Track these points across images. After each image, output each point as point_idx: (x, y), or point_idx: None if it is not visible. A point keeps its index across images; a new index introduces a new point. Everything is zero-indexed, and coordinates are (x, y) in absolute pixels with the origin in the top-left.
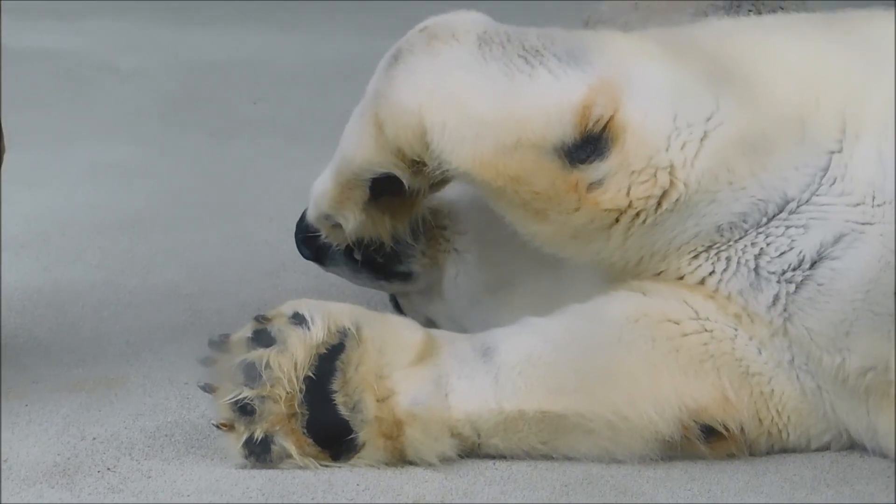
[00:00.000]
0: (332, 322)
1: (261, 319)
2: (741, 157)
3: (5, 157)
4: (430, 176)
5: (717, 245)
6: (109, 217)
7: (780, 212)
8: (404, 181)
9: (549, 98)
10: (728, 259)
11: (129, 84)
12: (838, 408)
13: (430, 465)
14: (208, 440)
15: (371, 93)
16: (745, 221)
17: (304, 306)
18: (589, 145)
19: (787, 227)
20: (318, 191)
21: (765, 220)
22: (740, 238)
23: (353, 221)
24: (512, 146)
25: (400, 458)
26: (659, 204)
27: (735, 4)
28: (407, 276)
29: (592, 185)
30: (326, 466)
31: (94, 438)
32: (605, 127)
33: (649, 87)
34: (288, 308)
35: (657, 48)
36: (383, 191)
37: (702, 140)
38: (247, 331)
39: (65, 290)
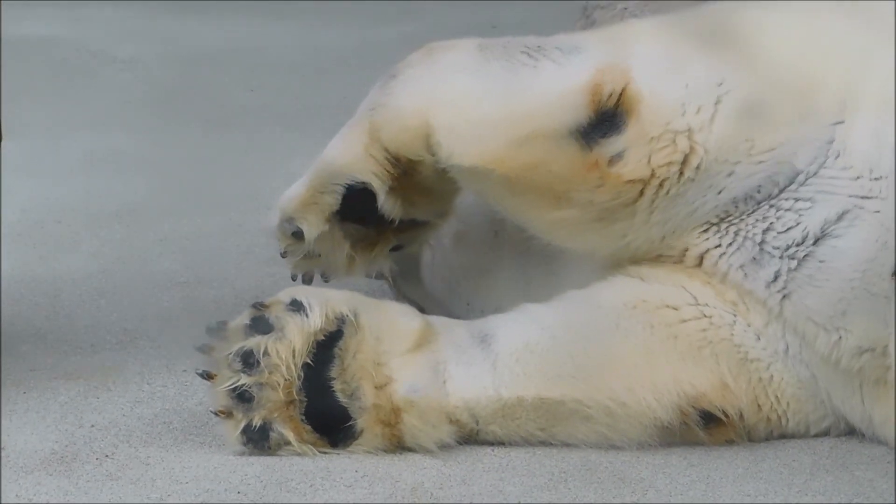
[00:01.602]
0: (329, 309)
1: (258, 307)
2: (755, 124)
3: (2, 145)
4: (407, 190)
5: (730, 218)
6: (106, 206)
7: (790, 184)
8: (379, 193)
9: (557, 85)
10: (736, 233)
11: (126, 73)
12: (834, 396)
13: (428, 451)
14: (206, 427)
15: (363, 108)
16: (758, 192)
17: (302, 293)
18: (604, 122)
19: (796, 201)
20: (286, 196)
21: (776, 191)
22: (753, 211)
23: (314, 230)
24: (525, 138)
25: (398, 445)
26: (681, 172)
27: None
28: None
29: (613, 160)
30: (324, 453)
31: (92, 426)
32: (618, 101)
33: (656, 59)
34: (286, 295)
35: (660, 27)
36: (351, 215)
37: (716, 104)
38: (245, 318)
39: (62, 278)
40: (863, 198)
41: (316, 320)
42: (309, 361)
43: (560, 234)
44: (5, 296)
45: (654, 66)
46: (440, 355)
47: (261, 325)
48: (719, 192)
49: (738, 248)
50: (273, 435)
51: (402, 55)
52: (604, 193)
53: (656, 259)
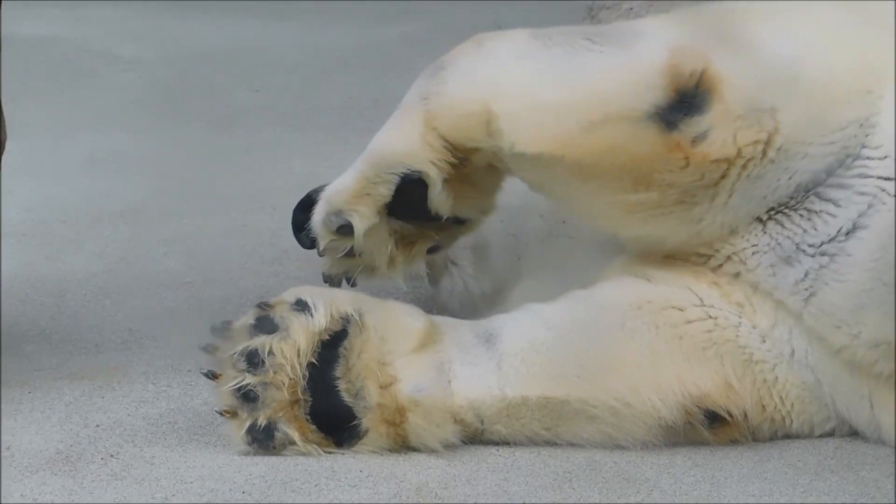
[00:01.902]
0: (334, 309)
1: (263, 306)
2: (826, 102)
3: (6, 145)
4: (457, 184)
5: (780, 210)
6: (110, 206)
7: (839, 167)
8: (434, 184)
9: (630, 67)
10: (778, 231)
11: (128, 73)
12: (839, 401)
13: (432, 451)
14: (211, 427)
15: (412, 99)
16: (817, 178)
17: (307, 293)
18: (685, 103)
19: (840, 188)
20: (332, 189)
21: (824, 177)
22: (799, 203)
23: (365, 222)
24: (599, 122)
25: (403, 445)
26: (764, 152)
27: None
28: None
29: (696, 140)
30: (329, 453)
31: (97, 426)
32: (698, 81)
33: (730, 38)
34: (290, 295)
35: (723, 8)
36: (399, 210)
37: (793, 81)
38: (249, 318)
39: (66, 278)
40: (886, 179)
41: (321, 320)
42: (314, 361)
43: (634, 220)
44: (9, 296)
45: (730, 44)
46: (445, 355)
47: (266, 324)
48: (790, 177)
49: (774, 247)
50: (278, 434)
51: (404, 55)
52: (689, 174)
53: (664, 260)
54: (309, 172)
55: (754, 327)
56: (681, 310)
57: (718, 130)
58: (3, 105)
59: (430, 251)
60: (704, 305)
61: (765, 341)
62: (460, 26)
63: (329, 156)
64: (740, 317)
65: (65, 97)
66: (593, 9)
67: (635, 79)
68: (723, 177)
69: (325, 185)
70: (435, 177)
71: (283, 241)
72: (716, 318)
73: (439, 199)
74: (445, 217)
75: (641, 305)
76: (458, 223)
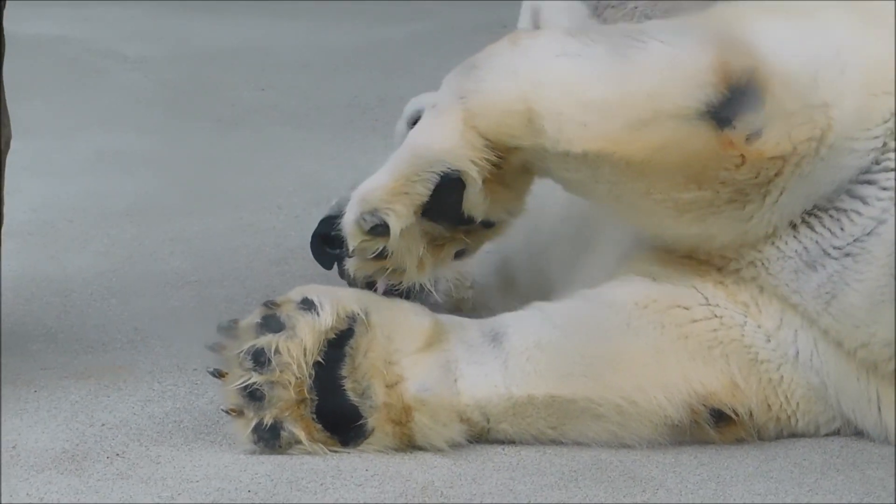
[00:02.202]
0: (340, 307)
1: (269, 305)
2: (869, 95)
3: (12, 144)
4: (492, 185)
5: (817, 208)
6: (116, 205)
7: (873, 164)
8: (473, 184)
9: (678, 65)
10: (808, 235)
11: (135, 71)
12: (844, 403)
13: (438, 450)
14: (217, 426)
15: (448, 98)
16: (857, 176)
17: (313, 292)
18: (737, 100)
19: (869, 184)
20: (367, 187)
21: (856, 174)
22: (836, 197)
23: (402, 222)
24: (648, 120)
25: (409, 444)
26: (817, 149)
27: None
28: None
29: (751, 138)
30: (335, 452)
31: (103, 425)
32: (750, 78)
33: (778, 33)
34: (297, 294)
35: (764, 4)
36: (433, 210)
37: (841, 75)
38: (255, 316)
39: (72, 277)
40: None
41: (327, 319)
42: (320, 360)
43: (684, 220)
44: (15, 295)
45: (778, 40)
46: (451, 354)
47: (272, 323)
48: (835, 175)
49: (800, 252)
50: (284, 434)
51: (410, 55)
52: (744, 172)
53: (670, 258)
54: (315, 172)
55: (759, 327)
56: (686, 309)
57: (773, 128)
58: (8, 104)
59: (457, 255)
60: (710, 304)
61: (770, 341)
62: (466, 26)
63: (335, 155)
64: (745, 316)
65: (71, 96)
66: (598, 8)
67: (685, 76)
68: (777, 174)
69: (337, 215)
70: (475, 176)
71: (288, 241)
72: (721, 318)
73: (476, 201)
74: (479, 220)
75: (647, 304)
76: (487, 226)
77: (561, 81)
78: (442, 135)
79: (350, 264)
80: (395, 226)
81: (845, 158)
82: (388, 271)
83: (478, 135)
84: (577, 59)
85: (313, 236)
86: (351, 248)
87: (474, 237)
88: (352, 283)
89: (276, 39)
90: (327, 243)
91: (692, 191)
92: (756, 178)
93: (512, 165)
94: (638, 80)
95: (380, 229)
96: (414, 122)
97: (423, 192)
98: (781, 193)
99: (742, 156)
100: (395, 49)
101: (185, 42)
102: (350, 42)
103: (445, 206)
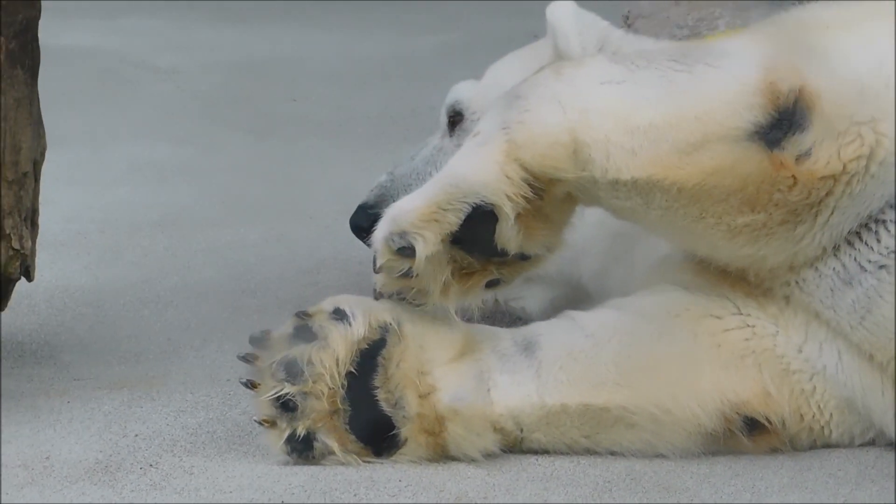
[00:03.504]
0: (372, 318)
1: (302, 316)
2: None
3: (46, 155)
4: (528, 219)
5: (866, 226)
6: (149, 215)
7: None
8: (506, 219)
9: (724, 88)
10: (848, 254)
11: (167, 83)
12: (874, 416)
13: (472, 461)
14: (250, 437)
15: (492, 127)
16: None
17: (345, 302)
18: (784, 121)
19: None
20: (401, 208)
21: None
22: (870, 222)
23: (428, 248)
24: (698, 144)
25: (442, 455)
26: (867, 167)
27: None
28: None
29: (800, 158)
30: (368, 463)
31: (136, 435)
32: (797, 98)
33: (821, 51)
34: (329, 304)
35: (804, 22)
36: (463, 239)
37: (885, 89)
38: (288, 327)
39: (105, 288)
40: None
41: (359, 329)
42: (352, 370)
43: (737, 242)
44: (49, 306)
45: (822, 58)
46: (484, 364)
47: (304, 333)
48: (886, 189)
49: (839, 270)
50: (317, 444)
51: (441, 65)
52: (796, 193)
53: (701, 268)
54: (347, 182)
55: (789, 337)
56: (719, 318)
57: (822, 147)
58: (43, 115)
59: (489, 285)
60: (742, 314)
61: (801, 351)
62: (497, 36)
63: (367, 165)
64: (777, 326)
65: (104, 107)
66: (629, 18)
67: (732, 98)
68: (828, 194)
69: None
70: (508, 211)
71: (320, 251)
72: (753, 327)
73: (508, 235)
74: (512, 253)
75: (679, 314)
76: (523, 259)
77: (607, 109)
78: (480, 166)
79: (377, 279)
80: (422, 251)
81: (893, 174)
82: (413, 291)
83: (519, 167)
84: (623, 85)
85: (351, 224)
86: (378, 265)
87: (509, 269)
88: (377, 296)
89: (308, 50)
90: (362, 231)
91: (746, 214)
92: (808, 198)
93: (554, 197)
94: (685, 103)
95: (407, 251)
96: (452, 112)
97: (453, 221)
98: (832, 213)
99: (794, 177)
100: (426, 59)
101: (216, 53)
102: (381, 52)
103: (477, 237)
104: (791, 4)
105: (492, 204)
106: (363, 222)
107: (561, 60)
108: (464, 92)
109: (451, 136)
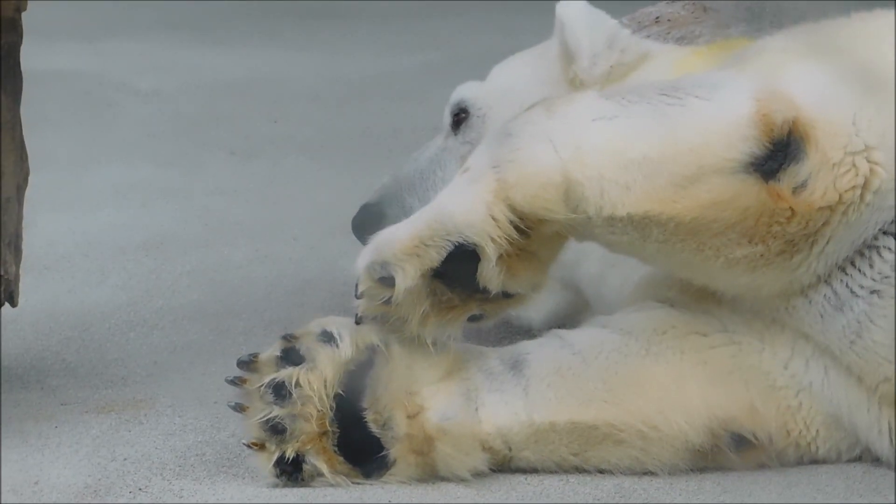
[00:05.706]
0: (360, 339)
1: (289, 338)
2: None
3: (29, 179)
4: (512, 259)
5: (860, 252)
6: (133, 238)
7: None
8: (487, 261)
9: (718, 120)
10: (840, 280)
11: (149, 105)
12: (860, 433)
13: (461, 480)
14: (239, 460)
15: (482, 164)
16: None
17: (332, 324)
18: (780, 152)
19: None
20: (385, 238)
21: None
22: (865, 248)
23: (407, 281)
24: (693, 177)
25: (431, 475)
26: (862, 196)
27: (756, 15)
28: None
29: (797, 190)
30: (358, 484)
31: (125, 459)
32: (791, 129)
33: (813, 81)
34: (316, 326)
35: (795, 50)
36: (445, 274)
37: (879, 114)
38: (275, 349)
39: (90, 311)
40: None
41: (346, 350)
42: (341, 392)
43: (734, 273)
44: (34, 330)
45: (814, 87)
46: (472, 383)
47: (292, 356)
48: (881, 216)
49: (829, 297)
50: (306, 466)
51: (423, 84)
52: (794, 224)
53: (687, 285)
54: (330, 202)
55: (775, 354)
56: (704, 335)
57: (818, 178)
58: (25, 138)
59: (472, 319)
60: (728, 331)
61: (787, 368)
62: (478, 55)
63: (350, 185)
64: (762, 343)
65: (86, 130)
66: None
67: (726, 130)
68: (825, 224)
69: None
70: (490, 252)
71: (305, 272)
72: (739, 344)
73: (490, 274)
74: (494, 292)
75: (666, 330)
76: (506, 297)
77: (600, 145)
78: (468, 205)
79: (358, 304)
80: (401, 283)
81: (890, 200)
82: (394, 318)
83: (507, 208)
84: (615, 121)
85: (353, 224)
86: (360, 290)
87: (492, 306)
88: (358, 320)
89: (288, 71)
90: (363, 231)
91: (744, 246)
92: (805, 229)
93: (542, 235)
94: (679, 136)
95: (387, 281)
96: (457, 110)
97: (434, 257)
98: (828, 242)
99: (791, 208)
100: (407, 79)
101: (197, 74)
102: (362, 72)
103: (459, 274)
104: (769, 24)
105: (474, 243)
106: (363, 223)
107: (552, 98)
108: (468, 91)
109: (455, 134)
